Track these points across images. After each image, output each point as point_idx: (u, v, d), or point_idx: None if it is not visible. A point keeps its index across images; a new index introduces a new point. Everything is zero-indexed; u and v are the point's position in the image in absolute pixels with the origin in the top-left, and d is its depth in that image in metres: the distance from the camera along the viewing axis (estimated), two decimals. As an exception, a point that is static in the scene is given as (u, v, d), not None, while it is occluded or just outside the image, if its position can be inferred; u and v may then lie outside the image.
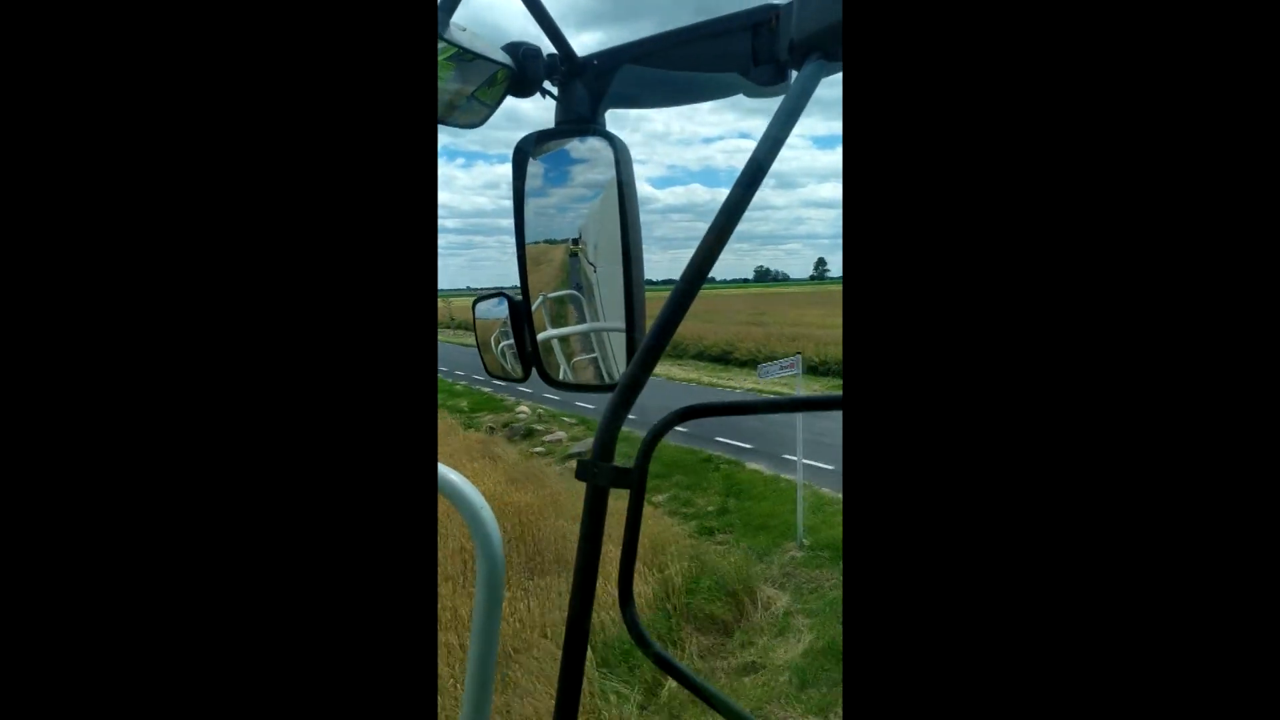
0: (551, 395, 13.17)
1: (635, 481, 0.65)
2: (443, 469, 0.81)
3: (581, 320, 0.88)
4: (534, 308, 0.87)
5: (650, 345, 0.65)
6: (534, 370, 0.88)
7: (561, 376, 0.89)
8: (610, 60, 0.80)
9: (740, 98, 0.80)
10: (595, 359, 0.88)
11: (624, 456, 0.66)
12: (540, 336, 0.88)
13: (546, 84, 0.81)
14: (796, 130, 0.65)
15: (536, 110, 0.88)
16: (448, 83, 0.76)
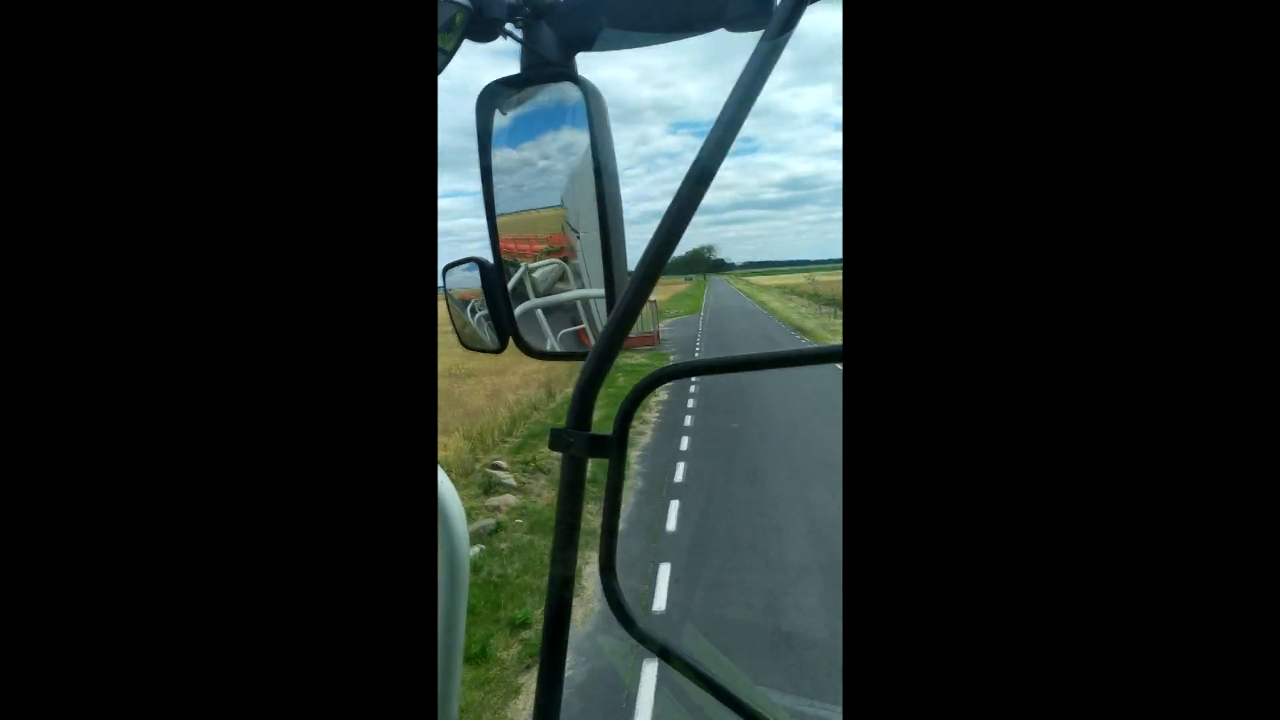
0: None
1: (614, 449, 0.63)
2: None
3: (566, 288, 0.82)
4: (517, 276, 0.81)
5: (623, 310, 0.62)
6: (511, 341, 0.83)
7: (548, 347, 0.83)
8: None
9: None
10: (583, 328, 0.83)
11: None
12: (522, 307, 0.82)
13: (509, 26, 0.74)
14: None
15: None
16: None
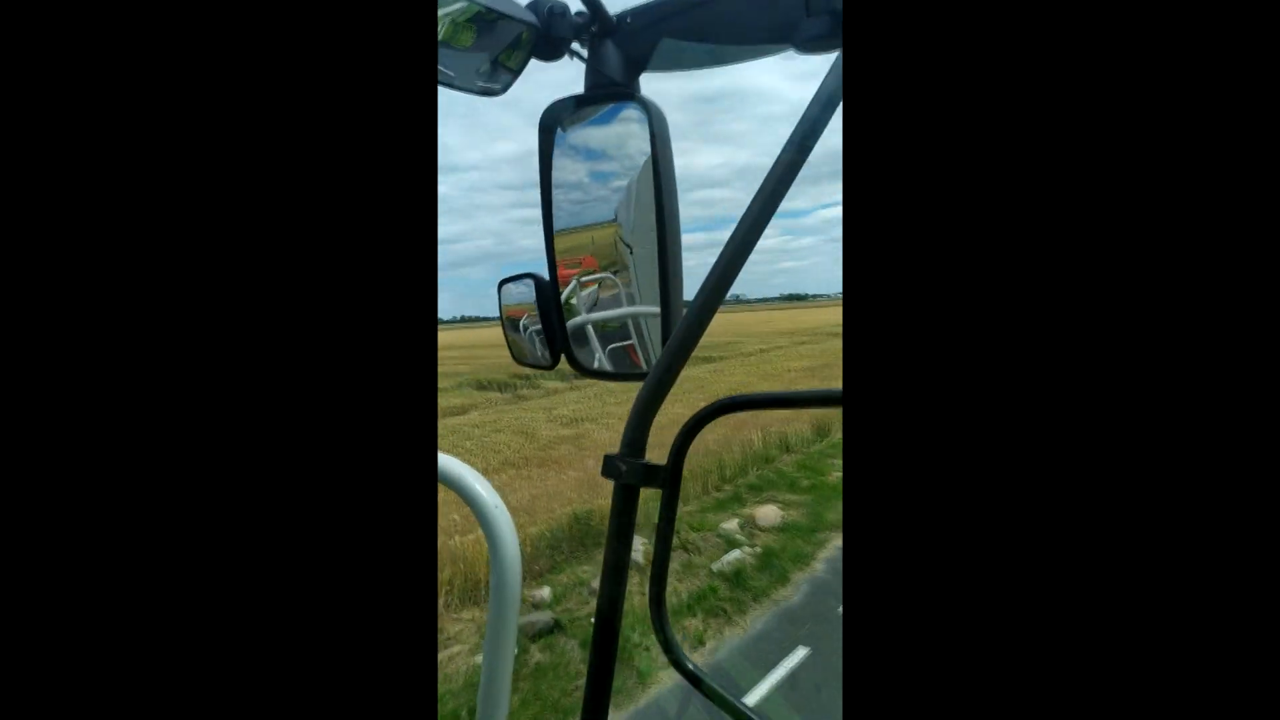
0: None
1: (668, 479, 0.61)
2: (452, 462, 0.75)
3: (617, 305, 0.80)
4: (566, 291, 0.81)
5: (685, 332, 0.61)
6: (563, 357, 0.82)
7: (596, 364, 0.82)
8: (645, 17, 0.74)
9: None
10: (632, 345, 0.81)
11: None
12: (572, 322, 0.81)
13: (575, 45, 0.75)
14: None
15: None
16: (470, 47, 0.72)
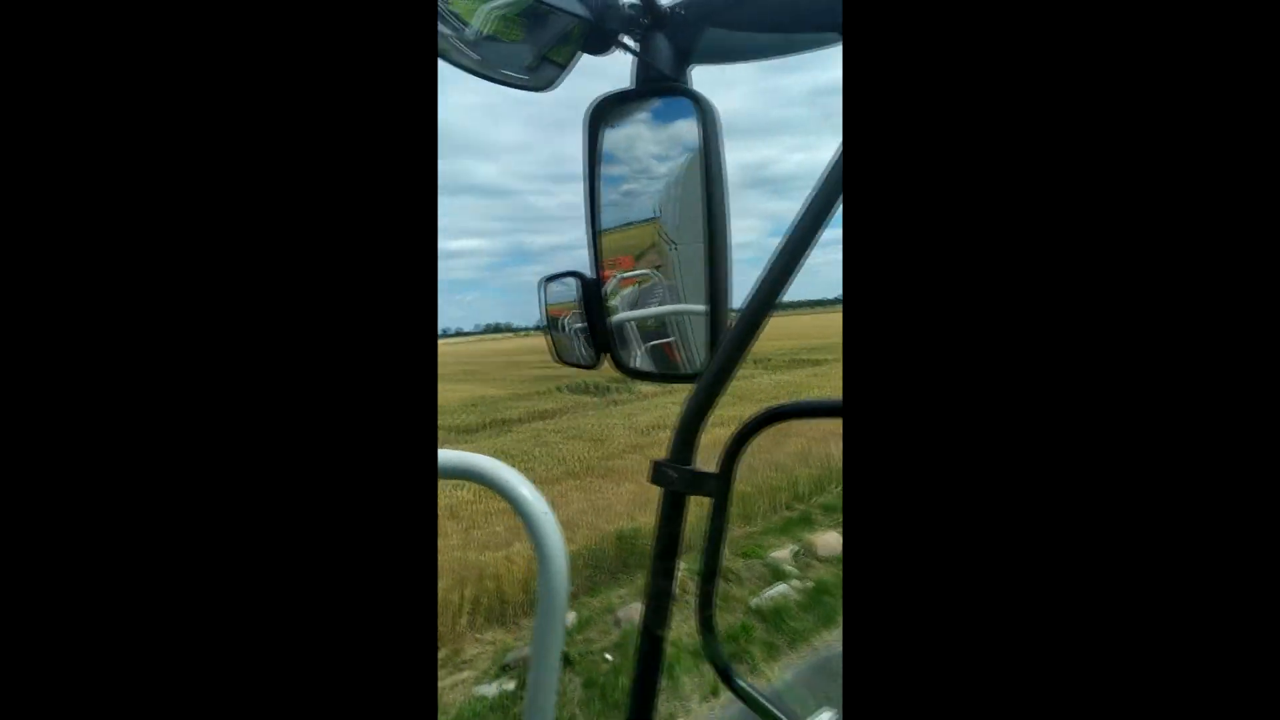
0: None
1: (718, 488, 0.59)
2: (499, 466, 0.75)
3: (658, 303, 0.78)
4: (606, 289, 0.79)
5: (738, 334, 0.59)
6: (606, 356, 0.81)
7: (637, 364, 0.80)
8: (698, 9, 0.71)
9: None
10: (673, 344, 0.78)
11: None
12: (614, 320, 0.79)
13: (625, 38, 0.73)
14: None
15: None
16: (520, 41, 0.71)
